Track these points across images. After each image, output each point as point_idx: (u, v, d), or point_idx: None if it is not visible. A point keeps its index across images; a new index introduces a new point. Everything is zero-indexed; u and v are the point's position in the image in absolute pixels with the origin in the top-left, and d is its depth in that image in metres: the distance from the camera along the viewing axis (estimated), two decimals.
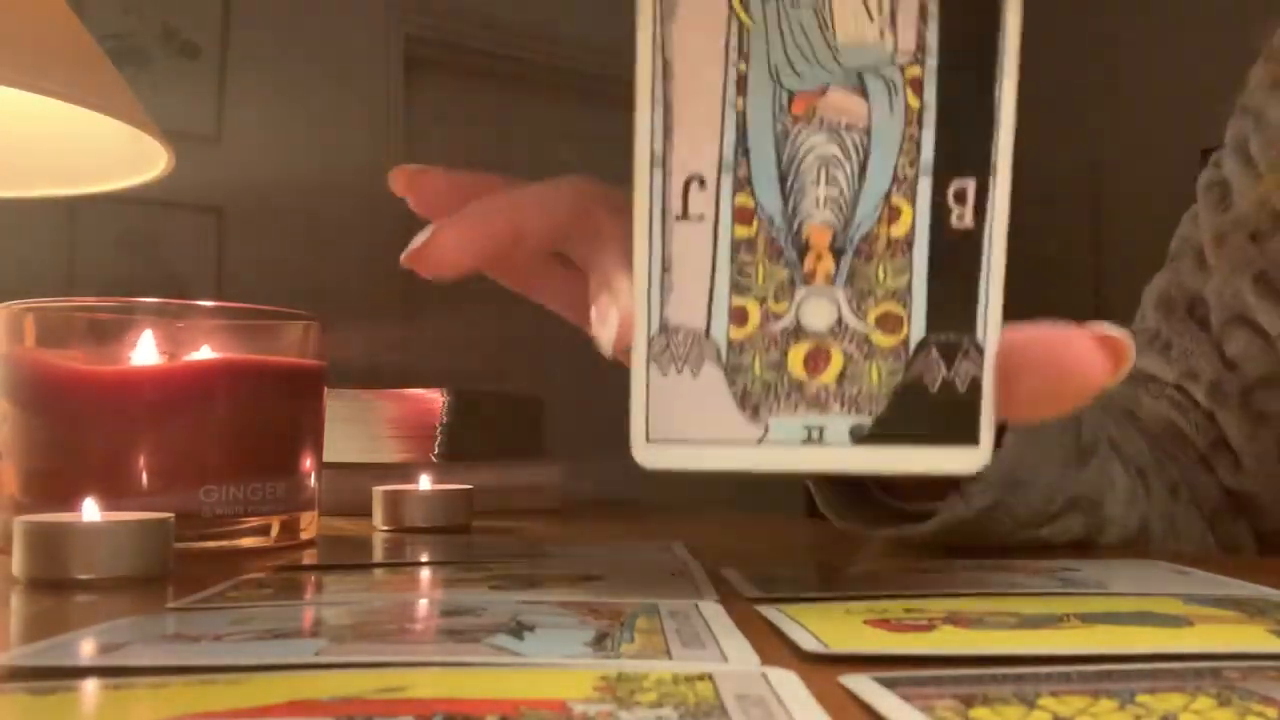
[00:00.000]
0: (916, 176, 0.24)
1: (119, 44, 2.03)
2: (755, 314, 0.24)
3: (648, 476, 0.26)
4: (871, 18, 0.24)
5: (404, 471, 0.60)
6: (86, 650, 0.21)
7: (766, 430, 0.24)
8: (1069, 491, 0.39)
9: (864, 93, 0.24)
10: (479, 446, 0.68)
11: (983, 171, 0.24)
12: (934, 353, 0.24)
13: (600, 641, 0.21)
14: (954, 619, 0.23)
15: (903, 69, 0.24)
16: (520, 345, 2.04)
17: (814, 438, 0.24)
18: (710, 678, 0.18)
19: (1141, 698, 0.17)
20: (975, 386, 0.24)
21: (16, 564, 0.32)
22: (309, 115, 2.35)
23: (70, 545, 0.31)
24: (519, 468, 0.68)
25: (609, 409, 0.41)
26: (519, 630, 0.22)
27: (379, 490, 0.51)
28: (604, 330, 0.26)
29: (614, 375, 0.28)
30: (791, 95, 0.24)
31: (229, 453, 0.41)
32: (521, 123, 2.65)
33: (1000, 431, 0.36)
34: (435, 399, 0.68)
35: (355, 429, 0.68)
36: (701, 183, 0.24)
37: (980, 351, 0.24)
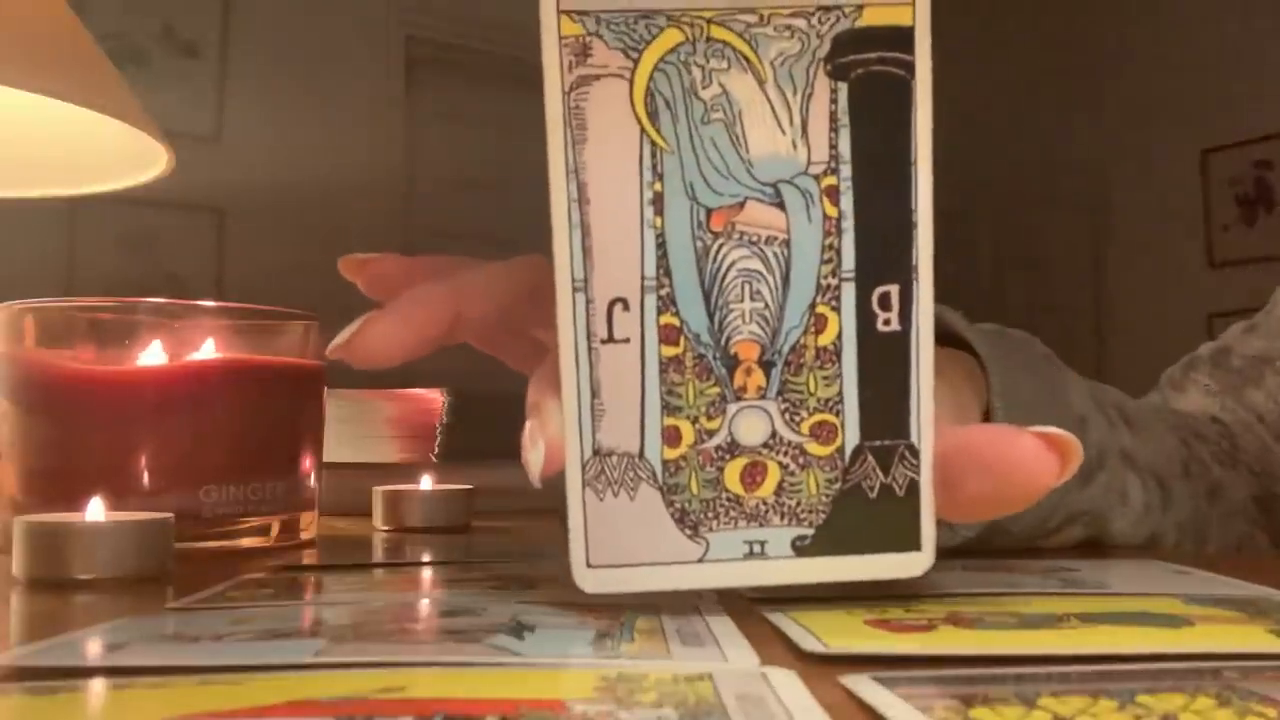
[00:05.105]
0: (839, 284, 0.24)
1: (119, 44, 2.02)
2: (689, 432, 0.24)
3: None
4: (783, 130, 0.24)
5: (404, 471, 0.60)
6: (87, 650, 0.21)
7: (707, 547, 0.24)
8: (1069, 509, 0.38)
9: (781, 205, 0.24)
10: (479, 446, 0.68)
11: (905, 275, 0.24)
12: (869, 459, 0.24)
13: (600, 641, 0.21)
14: (954, 619, 0.23)
15: (818, 179, 0.24)
16: None
17: (756, 552, 0.24)
18: (710, 677, 0.18)
19: (1141, 698, 0.17)
20: (914, 490, 0.24)
21: (17, 564, 0.32)
22: (309, 115, 2.34)
23: (71, 545, 0.31)
24: (519, 468, 0.68)
25: None
26: (519, 630, 0.22)
27: (379, 490, 0.51)
28: (533, 456, 0.26)
29: None
30: (709, 211, 0.24)
31: (229, 453, 0.41)
32: (521, 123, 2.65)
33: None
34: (435, 399, 0.68)
35: (355, 429, 0.68)
36: (625, 305, 0.24)
37: (916, 454, 0.24)
